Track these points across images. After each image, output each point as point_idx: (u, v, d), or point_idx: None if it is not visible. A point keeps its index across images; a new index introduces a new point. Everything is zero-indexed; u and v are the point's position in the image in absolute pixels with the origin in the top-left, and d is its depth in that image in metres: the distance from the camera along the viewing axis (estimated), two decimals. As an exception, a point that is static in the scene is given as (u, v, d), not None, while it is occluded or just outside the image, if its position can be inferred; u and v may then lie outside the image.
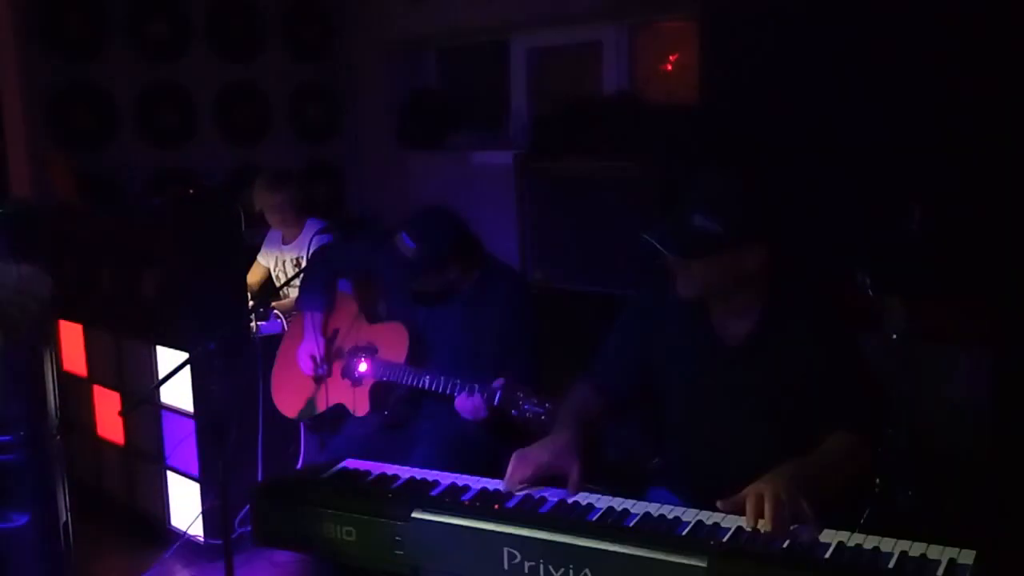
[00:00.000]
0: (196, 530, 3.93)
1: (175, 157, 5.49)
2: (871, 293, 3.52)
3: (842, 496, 2.17)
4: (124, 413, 2.96)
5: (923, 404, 3.56)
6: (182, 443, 3.96)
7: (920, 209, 3.44)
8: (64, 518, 3.11)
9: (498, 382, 2.77)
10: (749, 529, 1.93)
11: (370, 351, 3.27)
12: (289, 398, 3.48)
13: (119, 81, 5.31)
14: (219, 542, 3.65)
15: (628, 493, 2.22)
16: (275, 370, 3.60)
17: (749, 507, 1.95)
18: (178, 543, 3.95)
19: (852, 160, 3.70)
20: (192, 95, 5.57)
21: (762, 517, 1.92)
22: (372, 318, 3.38)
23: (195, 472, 3.93)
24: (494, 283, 3.12)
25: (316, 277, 3.45)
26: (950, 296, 3.57)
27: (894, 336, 3.51)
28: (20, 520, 2.86)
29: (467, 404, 2.85)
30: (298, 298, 3.58)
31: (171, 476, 4.10)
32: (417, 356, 3.13)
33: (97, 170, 5.22)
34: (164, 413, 4.06)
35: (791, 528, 1.91)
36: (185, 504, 4.03)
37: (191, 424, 3.91)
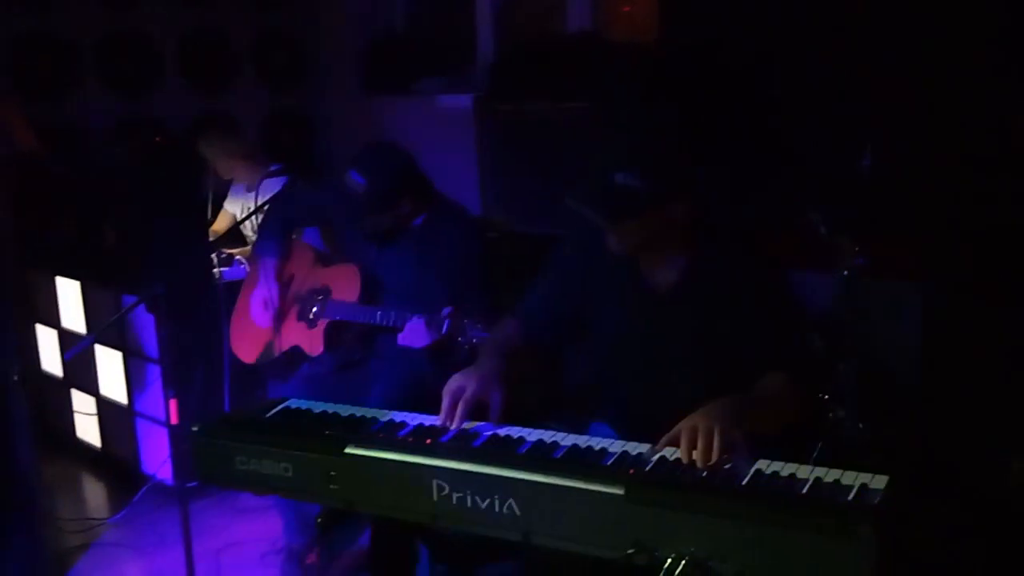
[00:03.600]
0: (166, 474, 3.99)
1: (138, 106, 5.46)
2: (823, 231, 3.56)
3: (779, 430, 2.20)
4: (67, 356, 3.00)
5: (874, 340, 3.62)
6: (149, 389, 4.02)
7: (871, 149, 3.46)
8: (28, 462, 3.16)
9: (446, 310, 2.83)
10: (686, 462, 1.95)
11: (324, 293, 3.31)
12: (247, 345, 3.52)
13: (79, 28, 5.26)
14: (189, 485, 3.73)
15: (572, 428, 2.27)
16: (233, 318, 3.63)
17: (683, 440, 1.98)
18: (146, 486, 4.02)
19: (807, 101, 3.71)
20: (154, 42, 5.51)
21: (695, 448, 1.95)
22: (327, 262, 3.42)
23: (163, 417, 3.99)
24: (444, 221, 3.15)
25: (270, 225, 3.48)
26: (900, 234, 3.61)
27: (845, 273, 3.56)
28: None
29: (410, 330, 2.91)
30: (254, 246, 3.61)
31: (140, 422, 4.16)
32: (369, 295, 3.18)
33: (59, 119, 5.18)
34: (131, 360, 4.11)
35: (724, 458, 1.94)
36: (155, 449, 4.09)
37: (157, 370, 3.96)
